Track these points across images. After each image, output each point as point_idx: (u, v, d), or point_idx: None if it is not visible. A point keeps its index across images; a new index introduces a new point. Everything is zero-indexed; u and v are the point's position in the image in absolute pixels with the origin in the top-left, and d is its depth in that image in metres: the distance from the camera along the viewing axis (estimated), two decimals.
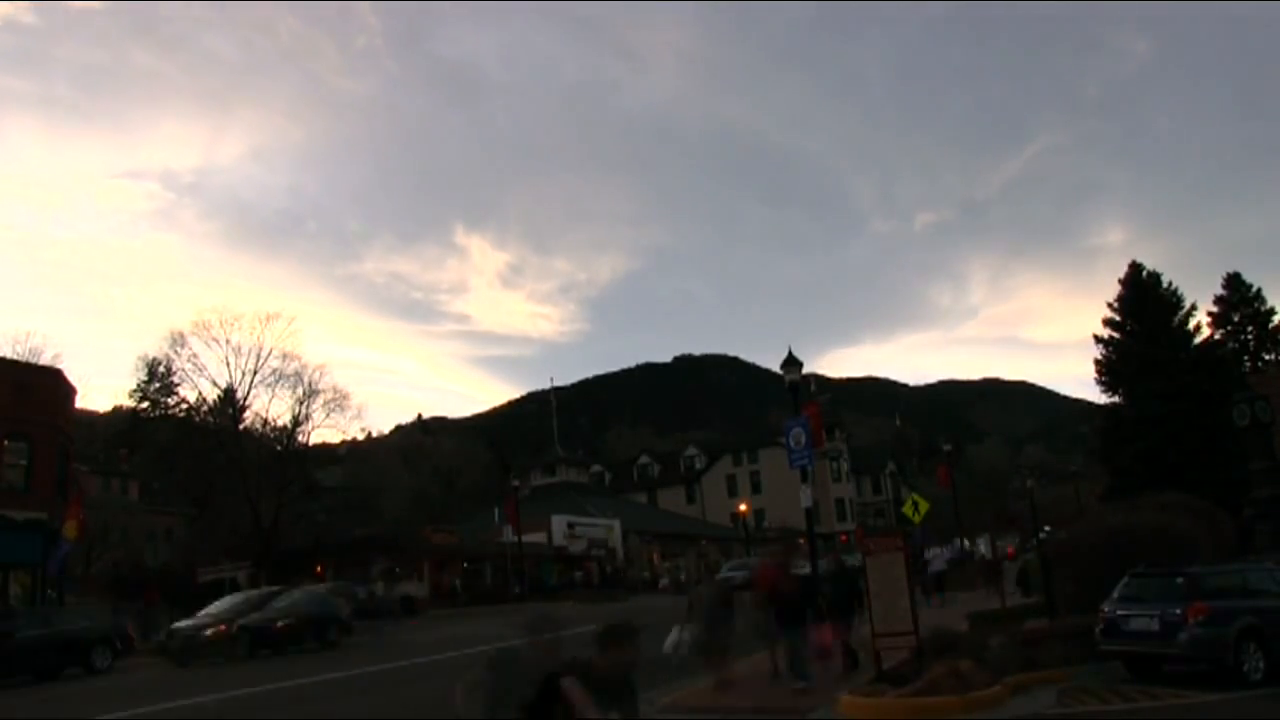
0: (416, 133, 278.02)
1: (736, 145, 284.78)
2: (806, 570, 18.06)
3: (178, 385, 54.99)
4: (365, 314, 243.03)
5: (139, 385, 61.14)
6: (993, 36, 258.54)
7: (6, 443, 29.07)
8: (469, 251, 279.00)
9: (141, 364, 59.28)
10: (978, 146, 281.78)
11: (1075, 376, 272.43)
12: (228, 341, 48.16)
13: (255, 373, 48.68)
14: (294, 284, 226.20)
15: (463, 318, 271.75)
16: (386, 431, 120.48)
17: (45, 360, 44.32)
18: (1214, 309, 49.21)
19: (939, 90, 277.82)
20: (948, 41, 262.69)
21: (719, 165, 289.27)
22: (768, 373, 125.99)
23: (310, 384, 49.55)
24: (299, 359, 49.95)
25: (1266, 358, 48.21)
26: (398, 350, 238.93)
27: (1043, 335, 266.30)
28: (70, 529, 27.22)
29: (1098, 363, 46.87)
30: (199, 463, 51.04)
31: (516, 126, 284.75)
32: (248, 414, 50.21)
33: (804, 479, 19.19)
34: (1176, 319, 45.22)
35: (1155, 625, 11.83)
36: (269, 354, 48.66)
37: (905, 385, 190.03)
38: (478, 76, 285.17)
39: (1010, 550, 49.06)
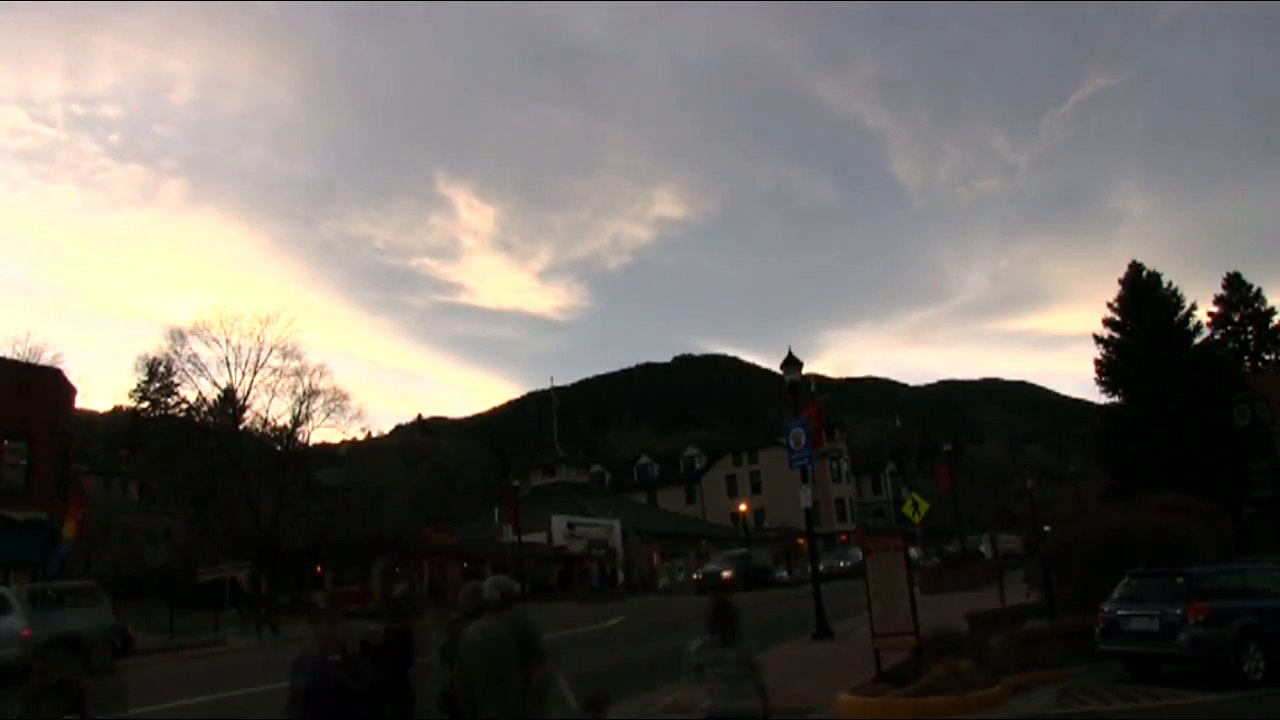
0: (345, 58, 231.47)
1: (746, 86, 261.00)
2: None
3: (178, 385, 55.03)
4: (329, 283, 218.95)
5: (139, 385, 61.18)
6: None
7: (6, 443, 29.06)
8: (453, 206, 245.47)
9: (141, 364, 59.28)
10: (1025, 94, 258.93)
11: (1075, 377, 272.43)
12: (227, 341, 48.23)
13: (255, 373, 48.75)
14: (223, 246, 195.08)
15: (451, 287, 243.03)
16: (386, 431, 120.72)
17: (45, 360, 44.38)
18: (1214, 309, 49.28)
19: (991, 29, 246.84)
20: None
21: (725, 107, 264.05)
22: (768, 372, 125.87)
23: (310, 384, 49.63)
24: (299, 359, 50.03)
25: (1266, 358, 48.26)
26: (369, 328, 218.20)
27: (1051, 324, 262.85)
28: (70, 529, 27.20)
29: (1098, 363, 46.91)
30: (199, 463, 51.00)
31: (489, 55, 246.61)
32: (248, 414, 50.25)
33: (804, 479, 19.23)
34: (1176, 319, 45.24)
35: (1155, 625, 11.83)
36: (269, 354, 48.74)
37: (905, 385, 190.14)
38: None
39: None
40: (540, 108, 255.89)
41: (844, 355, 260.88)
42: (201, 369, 49.02)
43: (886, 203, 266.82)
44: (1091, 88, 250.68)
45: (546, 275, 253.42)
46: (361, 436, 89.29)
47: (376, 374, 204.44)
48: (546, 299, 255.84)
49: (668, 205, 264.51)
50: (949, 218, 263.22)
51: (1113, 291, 47.42)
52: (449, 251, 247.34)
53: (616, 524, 59.42)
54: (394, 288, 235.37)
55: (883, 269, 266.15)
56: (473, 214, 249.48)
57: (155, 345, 65.02)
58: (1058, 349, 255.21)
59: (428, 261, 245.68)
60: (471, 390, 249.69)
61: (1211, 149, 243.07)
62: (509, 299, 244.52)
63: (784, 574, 48.79)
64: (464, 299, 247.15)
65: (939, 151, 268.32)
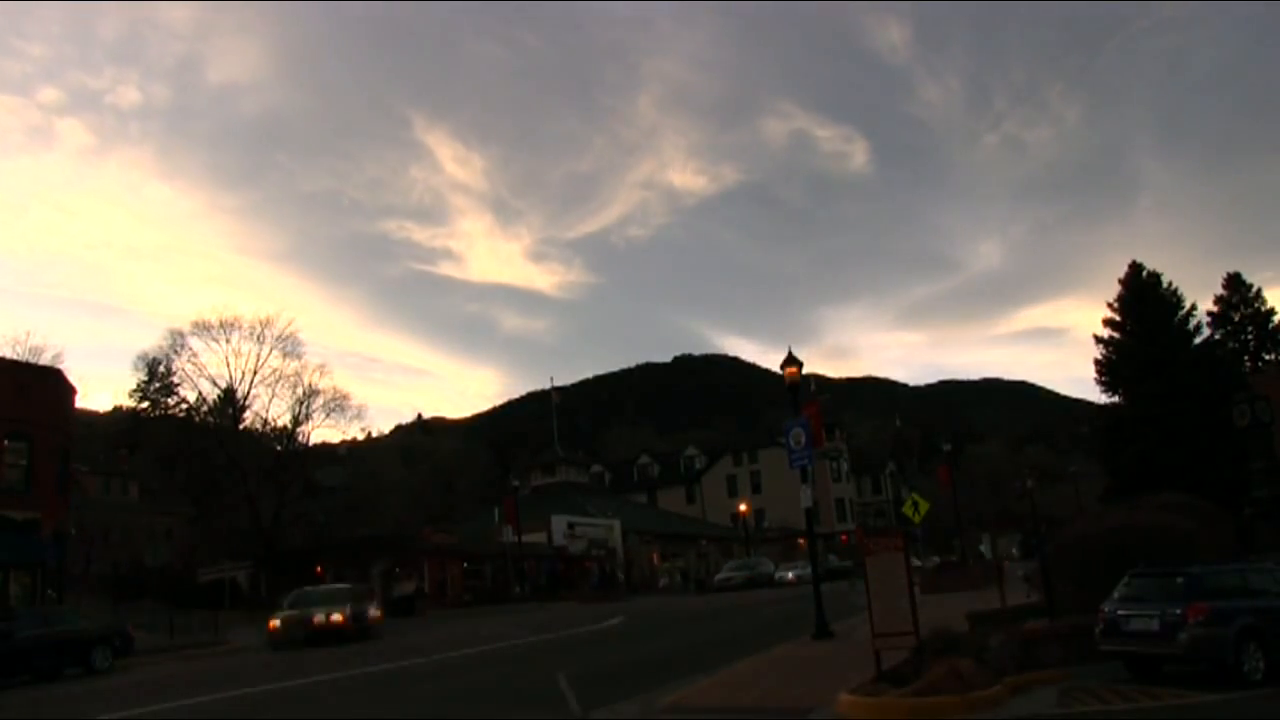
0: None
1: (756, 13, 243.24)
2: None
3: (178, 385, 55.03)
4: (276, 251, 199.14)
5: (139, 385, 61.10)
6: None
7: (6, 443, 29.08)
8: (434, 154, 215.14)
9: (141, 364, 59.29)
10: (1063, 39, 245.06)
11: (1075, 376, 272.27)
12: (227, 341, 48.29)
13: (255, 373, 48.79)
14: (143, 204, 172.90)
15: (433, 254, 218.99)
16: (386, 431, 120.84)
17: (45, 360, 44.44)
18: (1214, 308, 49.30)
19: None
20: None
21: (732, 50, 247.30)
22: (768, 372, 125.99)
23: (310, 384, 49.68)
24: (299, 359, 50.10)
25: (1266, 358, 48.25)
26: (326, 300, 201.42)
27: (1055, 316, 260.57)
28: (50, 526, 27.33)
29: (1098, 363, 46.89)
30: (199, 463, 51.04)
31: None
32: (248, 414, 50.34)
33: (804, 479, 19.21)
34: (1176, 319, 45.25)
35: (1155, 625, 11.82)
36: (269, 353, 48.79)
37: (905, 385, 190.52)
38: None
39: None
40: (518, 34, 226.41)
41: (845, 336, 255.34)
42: (201, 369, 49.12)
43: (901, 161, 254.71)
44: (1155, 17, 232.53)
45: (542, 246, 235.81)
46: (361, 436, 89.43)
47: (338, 358, 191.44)
48: (543, 275, 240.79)
49: (675, 172, 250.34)
50: (970, 174, 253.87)
51: (1115, 286, 47.53)
52: (431, 212, 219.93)
53: (616, 524, 59.39)
54: (364, 255, 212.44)
55: (896, 237, 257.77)
56: (459, 166, 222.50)
57: (122, 335, 65.01)
58: (1060, 344, 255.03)
59: (407, 224, 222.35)
60: (457, 380, 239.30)
61: (1254, 118, 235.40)
62: (500, 271, 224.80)
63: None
64: (449, 269, 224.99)
65: (978, 89, 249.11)
